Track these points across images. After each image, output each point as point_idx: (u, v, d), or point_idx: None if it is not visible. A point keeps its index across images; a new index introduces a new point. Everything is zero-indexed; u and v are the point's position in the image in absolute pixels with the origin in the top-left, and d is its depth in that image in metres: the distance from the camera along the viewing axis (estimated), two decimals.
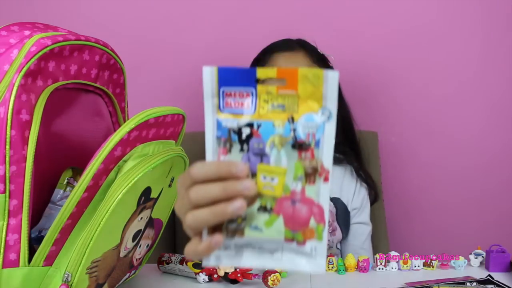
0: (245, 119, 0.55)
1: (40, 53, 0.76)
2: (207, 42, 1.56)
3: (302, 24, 1.53)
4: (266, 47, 1.32)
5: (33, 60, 0.76)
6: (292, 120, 0.55)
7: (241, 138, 0.55)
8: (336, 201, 1.31)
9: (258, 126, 0.55)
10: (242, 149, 0.55)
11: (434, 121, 1.58)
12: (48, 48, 0.77)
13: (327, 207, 0.55)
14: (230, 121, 0.55)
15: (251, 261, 0.56)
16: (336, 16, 1.55)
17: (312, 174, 0.55)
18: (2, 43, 0.79)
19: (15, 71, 0.75)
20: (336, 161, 1.33)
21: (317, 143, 0.55)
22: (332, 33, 1.53)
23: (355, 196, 1.33)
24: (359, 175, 1.33)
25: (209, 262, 0.56)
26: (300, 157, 0.54)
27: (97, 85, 0.89)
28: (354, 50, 1.55)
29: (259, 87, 0.54)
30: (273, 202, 0.55)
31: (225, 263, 0.57)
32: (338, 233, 1.29)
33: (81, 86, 0.87)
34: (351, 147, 1.36)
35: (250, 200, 0.54)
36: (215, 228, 0.56)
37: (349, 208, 1.32)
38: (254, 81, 0.54)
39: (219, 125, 0.55)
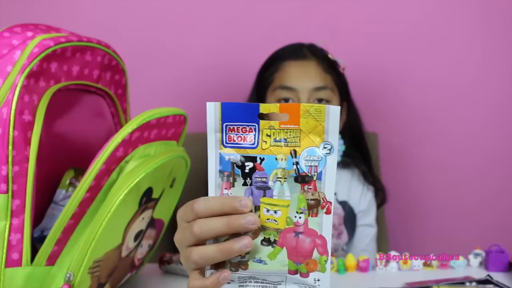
0: (248, 154, 0.56)
1: (43, 54, 0.77)
2: (209, 44, 1.56)
3: (302, 25, 1.53)
4: (276, 52, 1.28)
5: (35, 61, 0.76)
6: (294, 154, 0.55)
7: (245, 172, 0.56)
8: (344, 205, 1.31)
9: (261, 160, 0.55)
10: (245, 183, 0.55)
11: (434, 122, 1.58)
12: (50, 49, 0.78)
13: (330, 239, 0.56)
14: (233, 156, 0.56)
15: None
16: (337, 18, 1.55)
17: (314, 206, 0.56)
18: (5, 45, 0.80)
19: (18, 72, 0.76)
20: (344, 164, 1.33)
21: (319, 176, 0.55)
22: (333, 34, 1.54)
23: (362, 199, 1.32)
24: (366, 178, 1.32)
25: None
26: (303, 190, 0.55)
27: (99, 86, 0.89)
28: (354, 51, 1.55)
29: (262, 122, 0.55)
30: (276, 234, 0.56)
31: None
32: (344, 236, 1.29)
33: (83, 87, 0.87)
34: (360, 151, 1.35)
35: (254, 233, 0.55)
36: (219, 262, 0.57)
37: (355, 211, 1.32)
38: (256, 116, 0.55)
39: (222, 159, 0.56)
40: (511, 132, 1.57)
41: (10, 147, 0.74)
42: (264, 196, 0.55)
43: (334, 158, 0.55)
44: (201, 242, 0.55)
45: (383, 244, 1.44)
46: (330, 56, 1.27)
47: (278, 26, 1.52)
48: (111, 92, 0.92)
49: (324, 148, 0.56)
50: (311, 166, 0.55)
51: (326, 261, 0.56)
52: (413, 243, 1.60)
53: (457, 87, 1.57)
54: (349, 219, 1.31)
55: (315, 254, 0.56)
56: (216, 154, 0.56)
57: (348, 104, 1.30)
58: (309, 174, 0.55)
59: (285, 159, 0.55)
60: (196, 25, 1.57)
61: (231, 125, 0.56)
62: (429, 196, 1.60)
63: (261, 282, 0.57)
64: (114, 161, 0.77)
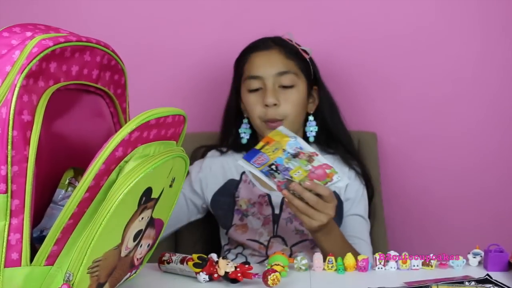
0: (269, 163, 1.09)
1: (42, 54, 0.77)
2: (209, 43, 1.57)
3: (300, 26, 1.53)
4: (245, 47, 1.37)
5: (34, 61, 0.76)
6: (283, 150, 1.10)
7: (274, 170, 1.09)
8: None
9: (276, 161, 1.09)
10: (279, 173, 1.09)
11: (433, 121, 1.58)
12: (49, 49, 0.78)
13: (323, 160, 1.09)
14: (265, 168, 1.09)
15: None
16: (335, 18, 1.55)
17: (309, 160, 1.08)
18: (4, 44, 0.80)
19: (17, 72, 0.76)
20: (326, 152, 1.36)
21: (301, 148, 1.11)
22: (331, 35, 1.54)
23: (348, 185, 1.32)
24: (349, 163, 1.36)
25: None
26: (299, 157, 1.10)
27: (99, 86, 0.89)
28: (353, 51, 1.55)
29: (262, 150, 1.12)
30: (306, 178, 1.07)
31: None
32: None
33: (82, 87, 0.87)
34: (337, 137, 1.38)
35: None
36: None
37: (342, 198, 1.32)
38: (259, 150, 1.13)
39: (263, 172, 1.09)
40: (510, 132, 1.57)
41: (9, 147, 0.74)
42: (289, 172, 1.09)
43: (299, 140, 1.12)
44: None
45: (382, 243, 1.44)
46: (295, 45, 1.34)
47: (278, 26, 1.51)
48: (111, 92, 0.92)
49: (293, 137, 1.13)
50: (295, 147, 1.11)
51: (333, 171, 1.08)
52: (412, 243, 1.60)
53: (456, 87, 1.57)
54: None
55: (328, 171, 1.08)
56: (259, 173, 1.10)
57: (319, 88, 1.37)
58: (296, 151, 1.10)
59: (282, 154, 1.10)
60: (195, 25, 1.57)
61: (253, 159, 1.11)
62: (428, 196, 1.60)
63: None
64: (114, 161, 0.77)
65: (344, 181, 1.10)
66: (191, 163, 1.39)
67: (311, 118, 1.36)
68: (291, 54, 1.32)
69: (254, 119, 1.32)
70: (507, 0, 1.53)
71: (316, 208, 1.07)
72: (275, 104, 1.28)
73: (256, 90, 1.31)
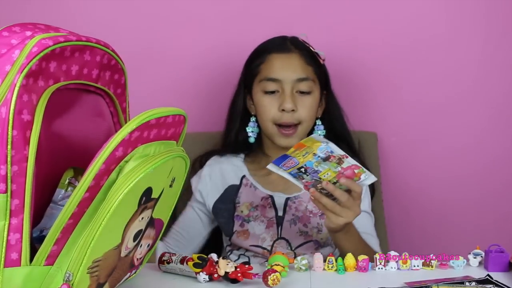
0: (298, 166, 1.07)
1: (42, 54, 0.77)
2: (208, 43, 1.56)
3: (301, 24, 1.53)
4: (262, 44, 1.36)
5: (34, 60, 0.76)
6: (314, 154, 1.06)
7: (303, 172, 1.07)
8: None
9: (305, 165, 1.07)
10: (307, 175, 1.08)
11: (434, 122, 1.58)
12: (49, 49, 0.78)
13: (353, 161, 1.07)
14: (293, 170, 1.08)
15: None
16: (336, 17, 1.55)
17: (339, 163, 1.06)
18: (3, 44, 0.80)
19: (17, 71, 0.76)
20: None
21: (331, 152, 1.07)
22: (332, 34, 1.54)
23: None
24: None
25: None
26: (330, 160, 1.07)
27: (98, 85, 0.89)
28: (353, 50, 1.55)
29: (292, 155, 1.08)
30: (334, 178, 1.07)
31: None
32: None
33: (82, 87, 0.87)
34: (341, 139, 1.39)
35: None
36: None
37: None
38: (289, 154, 1.08)
39: (291, 174, 1.09)
40: (511, 132, 1.57)
41: (9, 146, 0.74)
42: (318, 174, 1.08)
43: (331, 144, 1.08)
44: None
45: (382, 244, 1.44)
46: (311, 48, 1.34)
47: (277, 25, 1.52)
48: (110, 92, 0.92)
49: (324, 142, 1.07)
50: (326, 151, 1.07)
51: (362, 170, 1.08)
52: (412, 243, 1.60)
53: (457, 86, 1.57)
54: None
55: (356, 172, 1.08)
56: (288, 175, 1.09)
57: (328, 92, 1.38)
58: (327, 155, 1.07)
59: (312, 158, 1.06)
60: (195, 25, 1.57)
61: (283, 163, 1.08)
62: (429, 196, 1.60)
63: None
64: (114, 161, 0.77)
65: (372, 178, 1.09)
66: (191, 174, 1.39)
67: (318, 122, 1.36)
68: (310, 60, 1.32)
69: (265, 121, 1.32)
70: (508, 1, 1.53)
71: (346, 205, 1.08)
72: (292, 110, 1.28)
73: (272, 92, 1.30)
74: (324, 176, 1.07)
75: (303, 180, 1.09)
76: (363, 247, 1.19)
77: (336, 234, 1.15)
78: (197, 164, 1.42)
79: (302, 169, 1.07)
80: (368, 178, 1.09)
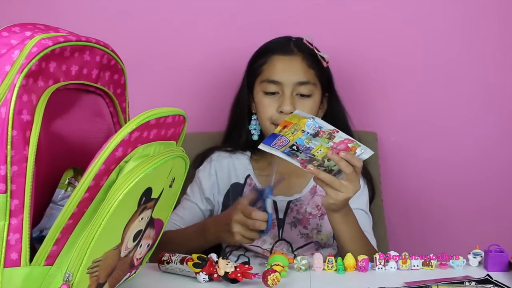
0: (289, 144, 1.07)
1: (41, 54, 0.77)
2: (208, 43, 1.56)
3: (301, 24, 1.53)
4: (266, 44, 1.35)
5: (34, 60, 0.76)
6: (303, 131, 1.07)
7: (295, 150, 1.07)
8: None
9: (296, 142, 1.07)
10: (301, 153, 1.07)
11: (433, 121, 1.58)
12: (49, 49, 0.78)
13: (345, 135, 1.07)
14: (286, 149, 1.07)
15: None
16: (336, 17, 1.55)
17: (330, 138, 1.06)
18: (3, 44, 0.80)
19: (16, 71, 0.76)
20: None
21: (320, 127, 1.07)
22: (331, 34, 1.54)
23: None
24: None
25: None
26: (319, 136, 1.07)
27: (98, 85, 0.89)
28: (353, 50, 1.55)
29: (281, 133, 1.08)
30: (325, 155, 1.06)
31: None
32: None
33: (82, 87, 0.87)
34: None
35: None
36: None
37: None
38: (278, 133, 1.09)
39: (284, 152, 1.07)
40: (511, 132, 1.57)
41: (8, 146, 0.74)
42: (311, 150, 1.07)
43: (318, 120, 1.09)
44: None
45: (382, 243, 1.44)
46: (315, 51, 1.33)
47: (277, 24, 1.52)
48: (110, 92, 0.92)
49: (311, 119, 1.09)
50: (314, 127, 1.08)
51: (356, 144, 1.06)
52: (412, 243, 1.60)
53: (457, 87, 1.57)
54: None
55: (350, 146, 1.07)
56: (281, 154, 1.07)
57: (331, 94, 1.38)
58: (316, 131, 1.07)
59: (302, 135, 1.07)
60: (195, 25, 1.57)
61: (273, 142, 1.08)
62: (428, 196, 1.60)
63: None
64: (114, 161, 0.77)
65: (368, 152, 1.08)
66: (192, 169, 1.38)
67: None
68: (312, 63, 1.32)
69: (264, 120, 1.32)
70: (508, 1, 1.53)
71: (349, 178, 1.07)
72: (291, 112, 1.28)
73: (272, 93, 1.30)
74: (317, 152, 1.06)
75: (298, 158, 1.07)
76: (361, 236, 1.17)
77: (334, 215, 1.13)
78: (198, 160, 1.41)
79: (294, 147, 1.06)
80: (364, 152, 1.07)
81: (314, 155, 1.06)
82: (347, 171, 1.06)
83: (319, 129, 1.07)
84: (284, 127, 1.09)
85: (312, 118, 1.09)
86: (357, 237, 1.14)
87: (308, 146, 1.06)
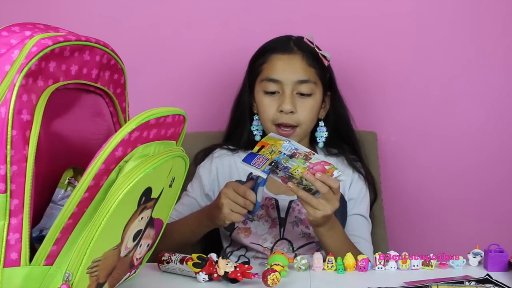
0: (268, 162, 1.11)
1: (41, 54, 0.77)
2: (208, 43, 1.56)
3: (301, 24, 1.53)
4: (266, 44, 1.35)
5: (34, 60, 0.76)
6: (279, 152, 1.11)
7: (275, 167, 1.10)
8: None
9: (276, 161, 1.10)
10: (280, 171, 1.10)
11: (433, 121, 1.58)
12: (49, 49, 0.78)
13: (321, 157, 1.12)
14: (266, 167, 1.10)
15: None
16: (335, 16, 1.55)
17: (306, 159, 1.10)
18: (3, 44, 0.80)
19: (16, 71, 0.76)
20: (331, 153, 1.37)
21: (296, 149, 1.12)
22: (331, 33, 1.54)
23: (352, 185, 1.33)
24: (354, 166, 1.36)
25: None
26: (296, 157, 1.10)
27: (98, 85, 0.89)
28: (353, 50, 1.55)
29: (260, 153, 1.13)
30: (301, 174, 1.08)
31: None
32: None
33: (81, 87, 0.87)
34: (347, 142, 1.39)
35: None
36: None
37: (346, 198, 1.32)
38: (256, 153, 1.13)
39: (264, 171, 1.10)
40: (510, 132, 1.57)
41: (8, 146, 0.74)
42: (288, 169, 1.10)
43: (293, 142, 1.14)
44: None
45: (382, 243, 1.44)
46: (316, 50, 1.33)
47: (276, 24, 1.52)
48: (110, 92, 0.92)
49: (286, 141, 1.14)
50: (290, 149, 1.12)
51: (332, 167, 1.08)
52: (412, 243, 1.60)
53: (456, 86, 1.57)
54: (339, 205, 1.29)
55: (327, 168, 1.08)
56: (261, 172, 1.10)
57: (333, 94, 1.37)
58: (294, 152, 1.11)
59: (279, 154, 1.11)
60: (195, 24, 1.57)
61: (253, 161, 1.11)
62: (428, 196, 1.60)
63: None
64: (113, 161, 0.77)
65: (344, 176, 1.11)
66: (193, 166, 1.38)
67: (321, 123, 1.35)
68: (312, 61, 1.31)
69: (264, 120, 1.31)
70: (508, 1, 1.53)
71: (325, 198, 1.09)
72: (291, 112, 1.28)
73: (272, 92, 1.30)
74: (295, 172, 1.08)
75: (278, 175, 1.10)
76: (347, 247, 1.18)
77: (318, 229, 1.16)
78: (199, 157, 1.41)
79: (273, 164, 1.09)
80: (341, 175, 1.09)
81: (292, 174, 1.09)
82: (322, 191, 1.08)
83: (295, 151, 1.10)
84: (262, 147, 1.13)
85: (288, 140, 1.13)
86: (342, 249, 1.15)
87: (286, 165, 1.09)
